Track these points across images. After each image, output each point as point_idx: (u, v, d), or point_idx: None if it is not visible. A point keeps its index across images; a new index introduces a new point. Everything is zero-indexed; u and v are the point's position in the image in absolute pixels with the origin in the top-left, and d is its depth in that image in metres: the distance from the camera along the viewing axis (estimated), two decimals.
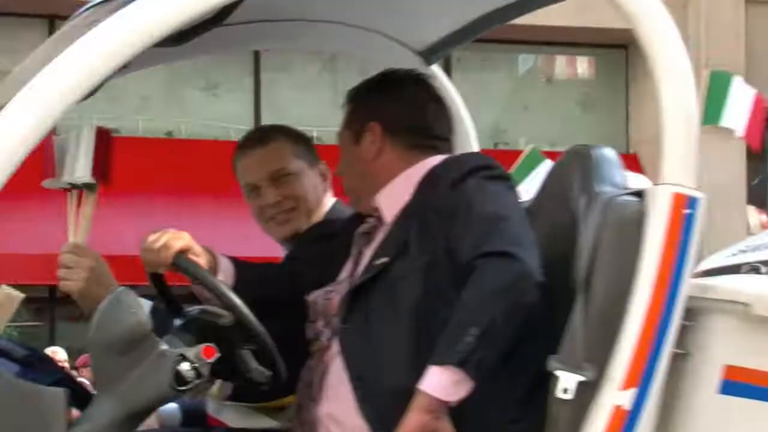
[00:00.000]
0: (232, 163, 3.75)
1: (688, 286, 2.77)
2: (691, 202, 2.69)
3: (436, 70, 3.73)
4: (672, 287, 2.69)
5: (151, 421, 3.43)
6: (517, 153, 11.71)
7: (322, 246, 3.31)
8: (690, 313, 2.78)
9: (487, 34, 3.68)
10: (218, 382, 3.31)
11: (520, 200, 2.96)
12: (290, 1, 3.35)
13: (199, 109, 16.35)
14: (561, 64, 16.82)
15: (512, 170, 3.94)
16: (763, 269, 6.39)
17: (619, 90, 16.66)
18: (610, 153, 2.95)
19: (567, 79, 16.96)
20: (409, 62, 3.59)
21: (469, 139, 3.75)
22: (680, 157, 2.74)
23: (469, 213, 2.74)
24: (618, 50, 16.49)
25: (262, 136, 3.74)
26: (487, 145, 14.45)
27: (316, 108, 14.99)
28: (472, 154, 3.27)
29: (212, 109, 16.28)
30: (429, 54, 3.67)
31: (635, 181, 2.95)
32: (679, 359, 2.76)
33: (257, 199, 3.58)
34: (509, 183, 2.93)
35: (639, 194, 2.78)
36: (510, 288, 2.62)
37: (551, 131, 16.29)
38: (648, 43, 2.78)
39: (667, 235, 2.68)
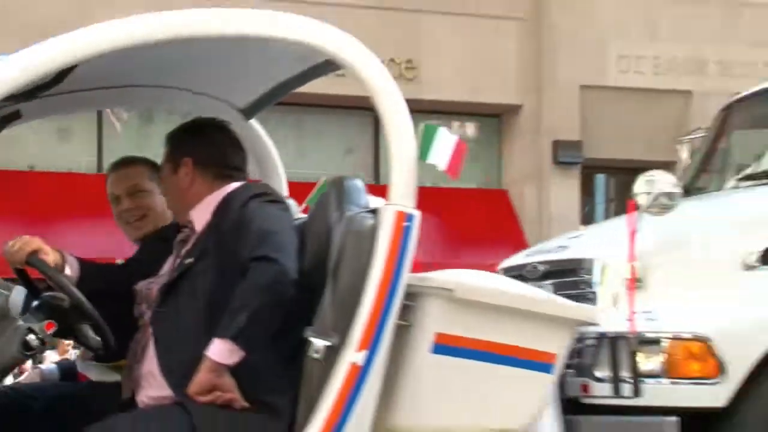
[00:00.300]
0: (106, 177, 4.41)
1: (408, 276, 3.28)
2: (410, 217, 3.23)
3: (253, 123, 4.14)
4: (395, 277, 3.21)
5: (35, 378, 4.26)
6: None
7: (159, 247, 3.86)
8: (411, 296, 3.31)
9: None
10: (82, 348, 4.05)
11: (291, 218, 3.51)
12: (121, 70, 3.55)
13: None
14: (455, 127, 17.57)
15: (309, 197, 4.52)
16: (541, 267, 7.03)
17: (495, 145, 17.60)
18: (358, 183, 3.48)
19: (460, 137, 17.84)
20: (232, 117, 4.00)
21: (278, 171, 4.23)
22: (402, 185, 3.25)
23: (249, 227, 3.29)
24: (494, 118, 17.81)
25: (128, 160, 4.38)
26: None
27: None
28: (257, 184, 3.73)
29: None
30: (248, 111, 4.05)
31: (375, 202, 3.42)
32: (403, 329, 3.29)
33: (118, 206, 4.25)
34: (282, 205, 3.51)
35: (374, 212, 3.30)
36: (271, 284, 3.18)
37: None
38: (382, 111, 3.31)
39: (392, 240, 3.21)
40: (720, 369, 6.09)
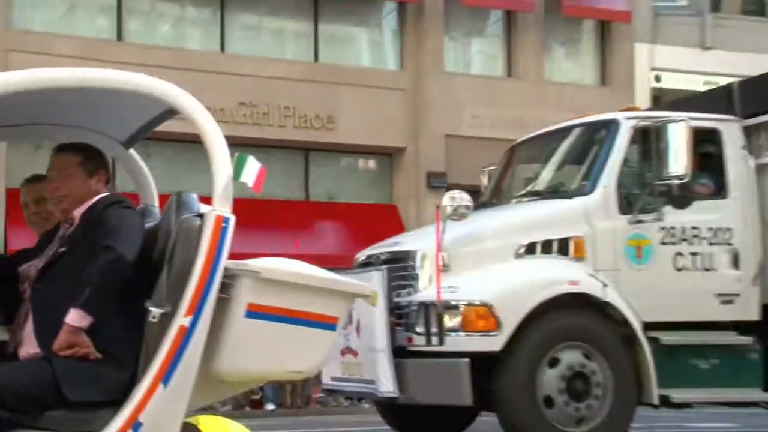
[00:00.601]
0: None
1: (228, 262, 3.03)
2: (227, 219, 2.99)
3: (132, 152, 3.78)
4: (215, 262, 2.96)
5: None
6: None
7: (47, 241, 3.43)
8: (231, 277, 3.05)
9: None
10: None
11: (138, 220, 3.20)
12: (24, 110, 3.30)
13: None
14: (361, 162, 17.61)
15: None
16: (382, 257, 6.84)
17: (388, 174, 17.37)
18: (193, 195, 3.22)
19: (362, 170, 17.78)
20: (115, 147, 3.70)
21: (152, 188, 3.83)
22: (221, 197, 3.02)
23: (104, 224, 3.02)
24: (388, 156, 17.26)
25: (36, 177, 3.88)
26: None
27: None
28: (117, 194, 3.35)
29: None
30: (127, 143, 3.71)
31: (203, 209, 3.12)
32: (224, 300, 3.03)
33: (27, 211, 3.86)
34: (133, 210, 3.21)
35: (202, 215, 3.04)
36: (111, 266, 2.91)
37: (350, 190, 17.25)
38: (207, 145, 3.04)
39: (212, 236, 2.97)
40: (497, 325, 6.05)
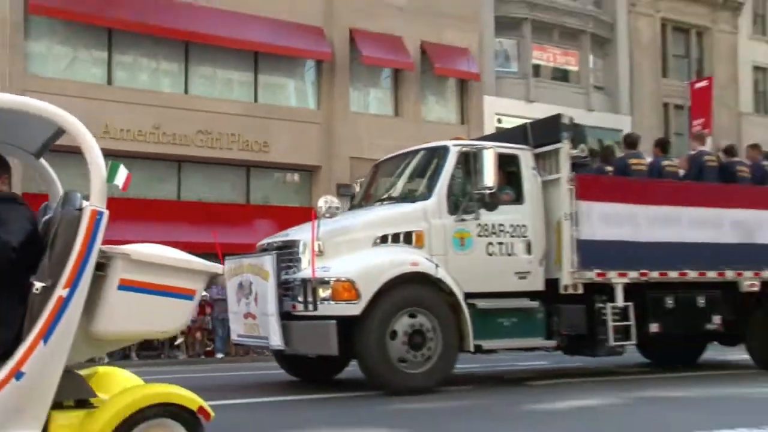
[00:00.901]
0: None
1: (104, 246, 2.79)
2: (101, 213, 2.74)
3: (42, 160, 3.45)
4: (89, 246, 2.71)
5: None
6: None
7: None
8: (107, 258, 2.83)
9: None
10: None
11: (29, 214, 2.87)
12: None
13: None
14: (287, 176, 17.00)
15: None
16: (275, 245, 6.47)
17: (308, 185, 16.84)
18: (77, 194, 2.91)
19: (289, 182, 17.19)
20: (27, 157, 3.40)
21: (59, 191, 3.42)
22: (97, 195, 2.77)
23: (3, 219, 2.72)
24: (309, 171, 16.69)
25: None
26: None
27: None
28: (11, 193, 2.99)
29: None
30: (37, 154, 3.41)
31: (84, 204, 2.82)
32: (101, 277, 2.80)
33: None
34: (25, 206, 2.87)
35: (81, 210, 2.77)
36: None
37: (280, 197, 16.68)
38: (86, 155, 2.79)
39: (88, 225, 2.72)
40: (358, 295, 5.88)
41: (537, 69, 19.63)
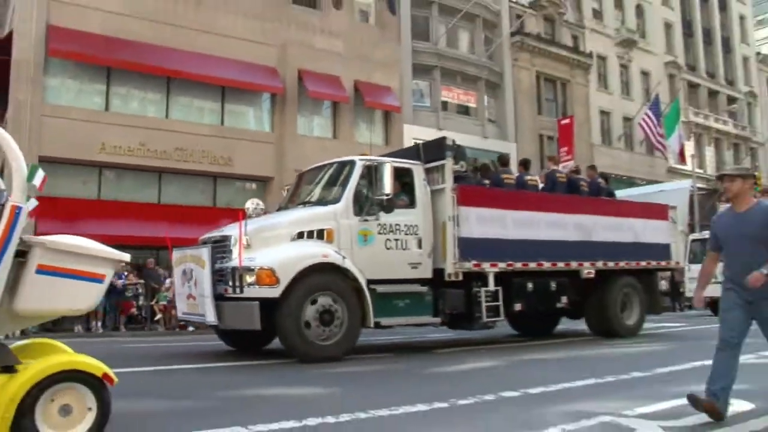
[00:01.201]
0: None
1: (26, 237, 2.63)
2: (19, 208, 2.57)
3: None
4: (8, 238, 2.54)
5: None
6: None
7: None
8: (28, 246, 2.61)
9: None
10: None
11: None
12: None
13: None
14: (248, 185, 16.37)
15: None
16: (213, 238, 6.18)
17: (263, 192, 16.17)
18: (3, 193, 2.72)
19: (248, 189, 16.64)
20: None
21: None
22: (18, 192, 2.60)
23: None
24: (264, 181, 16.22)
25: None
26: None
27: None
28: None
29: None
30: None
31: (10, 201, 2.59)
32: (22, 263, 2.59)
33: None
34: None
35: (3, 204, 2.59)
36: None
37: (241, 201, 16.06)
38: (10, 161, 2.61)
39: (8, 218, 2.54)
40: (277, 281, 5.74)
41: (445, 104, 20.16)
